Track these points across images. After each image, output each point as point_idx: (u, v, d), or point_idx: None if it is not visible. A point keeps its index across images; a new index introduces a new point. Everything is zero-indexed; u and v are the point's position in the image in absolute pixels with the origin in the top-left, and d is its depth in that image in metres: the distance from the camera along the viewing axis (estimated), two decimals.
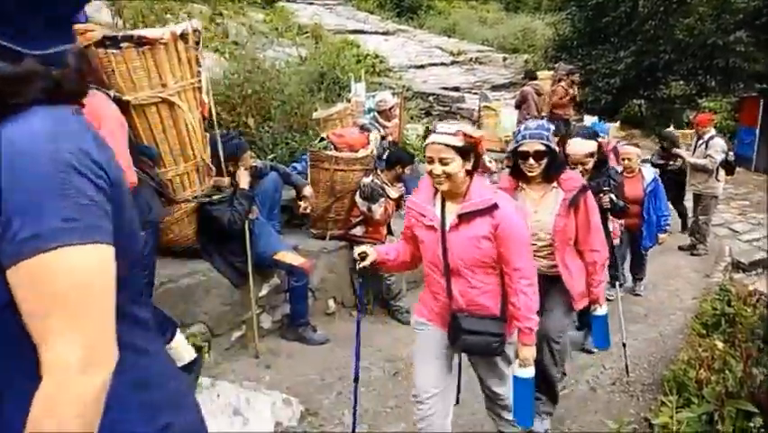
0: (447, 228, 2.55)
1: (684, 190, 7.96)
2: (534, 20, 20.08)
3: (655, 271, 6.53)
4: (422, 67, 14.84)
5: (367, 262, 2.74)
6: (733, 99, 14.36)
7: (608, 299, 5.31)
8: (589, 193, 3.16)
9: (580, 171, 3.77)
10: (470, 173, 2.54)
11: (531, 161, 3.00)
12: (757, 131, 12.37)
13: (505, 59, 16.87)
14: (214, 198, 3.98)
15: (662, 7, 13.43)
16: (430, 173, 2.53)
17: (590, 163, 3.89)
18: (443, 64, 15.59)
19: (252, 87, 6.78)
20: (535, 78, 10.10)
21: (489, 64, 16.49)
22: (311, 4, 17.48)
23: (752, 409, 2.82)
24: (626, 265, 5.87)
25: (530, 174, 3.06)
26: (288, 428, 3.31)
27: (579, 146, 3.90)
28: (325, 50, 10.87)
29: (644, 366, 4.35)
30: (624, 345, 4.28)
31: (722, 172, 7.36)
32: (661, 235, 5.76)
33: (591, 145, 3.89)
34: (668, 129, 8.81)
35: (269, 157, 5.96)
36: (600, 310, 3.32)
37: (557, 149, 3.21)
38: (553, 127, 3.15)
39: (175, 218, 4.05)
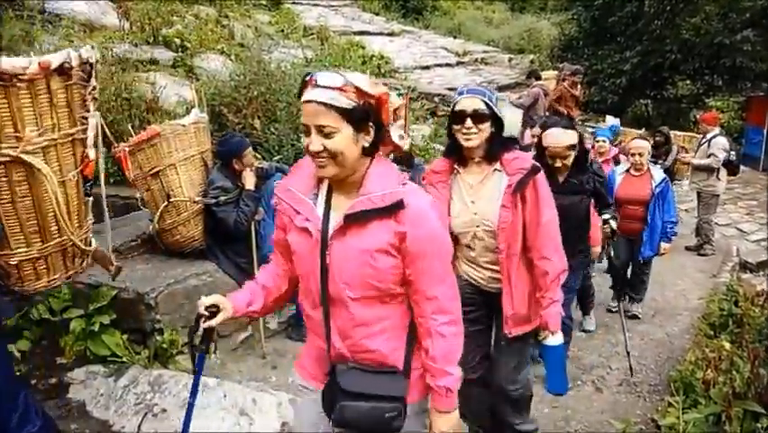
0: (329, 234, 1.70)
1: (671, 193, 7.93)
2: (539, 20, 20.03)
3: (662, 271, 6.50)
4: (427, 67, 14.83)
5: (215, 322, 1.84)
6: (740, 99, 14.29)
7: (609, 311, 5.30)
8: (541, 177, 2.47)
9: (559, 167, 3.39)
10: (368, 152, 1.70)
11: (468, 122, 2.41)
12: (765, 130, 12.29)
13: (510, 59, 16.84)
14: (221, 199, 3.99)
15: (669, 7, 13.38)
16: (307, 149, 1.68)
17: (571, 157, 3.40)
18: (448, 65, 15.56)
19: (258, 88, 6.81)
20: (540, 78, 10.10)
21: (494, 65, 16.46)
22: (316, 5, 17.49)
23: (759, 411, 2.80)
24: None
25: (467, 143, 2.43)
26: (293, 427, 3.31)
27: (558, 137, 3.35)
28: (331, 52, 10.92)
29: (651, 367, 4.34)
30: (628, 352, 4.16)
31: (723, 171, 7.34)
32: (664, 245, 5.10)
33: (572, 136, 3.38)
34: (663, 126, 8.61)
35: (276, 158, 5.98)
36: (553, 339, 2.56)
37: (505, 117, 2.62)
38: (494, 90, 2.61)
39: (181, 220, 4.07)
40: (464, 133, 2.44)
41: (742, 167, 11.30)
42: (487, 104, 2.44)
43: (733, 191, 10.27)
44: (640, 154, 5.12)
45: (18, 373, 3.42)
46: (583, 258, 3.84)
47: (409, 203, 1.66)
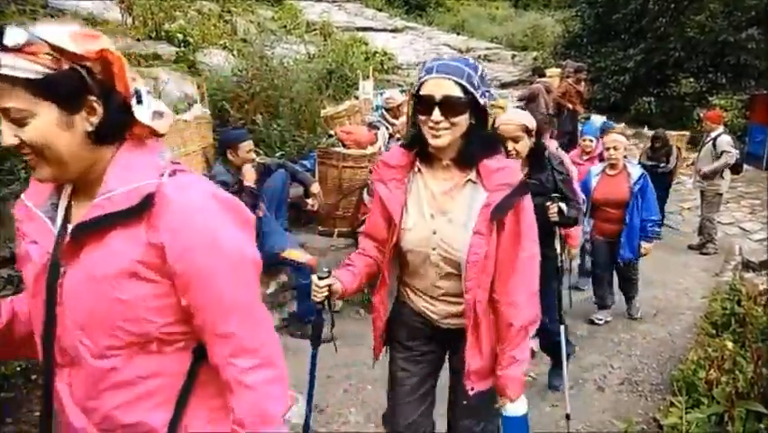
0: (59, 255, 1.17)
1: (668, 194, 7.82)
2: (543, 17, 19.98)
3: (664, 270, 6.49)
4: (526, 115, 14.77)
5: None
6: (744, 97, 14.21)
7: (594, 322, 4.99)
8: (528, 199, 1.88)
9: (511, 153, 3.01)
10: (104, 139, 1.16)
11: (437, 113, 1.75)
12: None
13: (514, 56, 16.80)
14: None
15: (673, 4, 13.31)
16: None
17: (525, 143, 3.03)
18: None
19: (261, 84, 6.81)
20: (544, 75, 10.09)
21: (497, 61, 16.42)
22: (319, 1, 17.44)
23: (762, 411, 2.78)
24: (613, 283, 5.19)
25: (434, 141, 1.79)
26: (294, 426, 3.30)
27: (510, 114, 3.15)
28: (334, 48, 10.88)
29: (653, 366, 4.33)
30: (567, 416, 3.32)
31: (727, 170, 7.31)
32: (645, 245, 4.79)
33: (527, 118, 3.09)
34: (660, 129, 8.43)
35: (277, 154, 5.97)
36: (513, 408, 1.94)
37: (493, 111, 2.31)
38: (482, 68, 1.87)
39: None
40: (431, 128, 1.77)
41: (745, 166, 11.27)
42: (464, 87, 1.75)
43: (736, 190, 10.23)
44: (614, 148, 4.77)
45: (19, 369, 3.42)
46: (551, 267, 3.29)
47: (168, 199, 1.11)
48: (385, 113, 6.85)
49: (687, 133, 8.74)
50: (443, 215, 1.90)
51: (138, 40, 8.57)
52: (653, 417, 3.50)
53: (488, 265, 1.86)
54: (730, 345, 3.94)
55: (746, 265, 7.60)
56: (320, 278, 1.96)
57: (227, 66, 7.78)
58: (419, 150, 1.93)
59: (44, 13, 8.08)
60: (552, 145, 4.27)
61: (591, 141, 5.88)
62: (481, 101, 1.81)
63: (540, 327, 2.45)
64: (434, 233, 1.91)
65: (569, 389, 3.92)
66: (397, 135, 6.61)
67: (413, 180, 1.96)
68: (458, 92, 1.75)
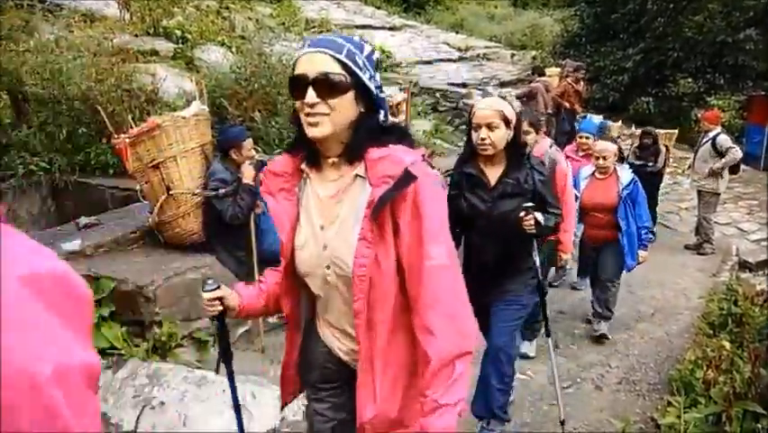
0: None
1: (657, 194, 7.69)
2: (542, 16, 19.97)
3: (662, 270, 6.50)
4: (429, 62, 14.78)
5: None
6: (741, 97, 14.26)
7: (604, 336, 4.63)
8: (425, 188, 1.47)
9: (486, 143, 2.72)
10: None
11: (310, 94, 1.43)
12: (766, 129, 12.25)
13: (513, 55, 16.79)
14: (220, 191, 3.97)
15: (672, 4, 13.33)
16: None
17: (501, 133, 2.73)
18: (450, 60, 15.52)
19: (259, 81, 6.79)
20: (543, 75, 10.09)
21: (496, 60, 16.41)
22: None
23: (760, 411, 2.79)
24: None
25: (310, 131, 1.47)
26: (292, 423, 3.30)
27: (488, 101, 2.91)
28: None
29: (651, 366, 4.33)
30: (562, 422, 3.33)
31: (726, 170, 7.32)
32: (641, 253, 4.58)
33: (505, 106, 2.82)
34: (648, 127, 8.25)
35: (276, 151, 5.96)
36: None
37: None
38: (370, 50, 1.56)
39: (181, 213, 4.06)
40: (307, 114, 1.46)
41: (742, 166, 11.29)
42: (345, 65, 1.45)
43: (733, 190, 10.25)
44: (604, 158, 4.58)
45: None
46: (530, 279, 3.06)
47: None
48: None
49: (675, 131, 8.69)
50: (332, 223, 1.57)
51: (136, 36, 8.55)
52: (651, 416, 3.51)
53: (382, 280, 1.50)
54: (727, 345, 3.95)
55: (743, 265, 7.63)
56: (205, 290, 1.70)
57: (225, 63, 7.76)
58: (305, 151, 1.61)
59: (42, 8, 8.05)
60: (546, 143, 4.18)
61: (588, 137, 5.67)
62: (370, 85, 1.50)
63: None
64: (325, 247, 1.57)
65: (566, 388, 3.94)
66: None
67: (303, 188, 1.65)
68: (336, 68, 1.44)
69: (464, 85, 13.16)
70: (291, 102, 6.20)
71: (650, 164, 7.25)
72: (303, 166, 1.62)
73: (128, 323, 3.68)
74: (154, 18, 9.22)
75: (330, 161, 1.56)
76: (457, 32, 18.63)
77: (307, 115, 1.46)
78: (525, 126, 3.86)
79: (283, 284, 1.71)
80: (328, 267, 1.57)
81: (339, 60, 1.45)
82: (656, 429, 3.22)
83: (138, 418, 3.12)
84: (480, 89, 12.65)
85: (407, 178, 1.44)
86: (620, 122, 11.24)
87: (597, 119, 8.37)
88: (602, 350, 4.56)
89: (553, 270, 5.26)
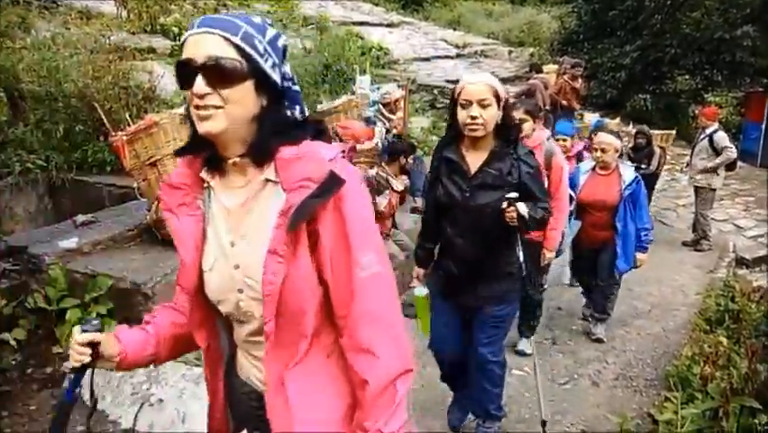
0: None
1: (651, 196, 7.56)
2: (539, 13, 19.94)
3: (659, 267, 6.51)
4: (427, 59, 14.76)
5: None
6: (739, 94, 14.27)
7: (599, 340, 4.52)
8: (351, 192, 1.27)
9: (474, 125, 2.48)
10: None
11: (199, 84, 1.19)
12: (763, 126, 12.28)
13: (510, 52, 16.77)
14: None
15: (669, 1, 13.31)
16: None
17: (493, 111, 2.49)
18: (447, 57, 15.49)
19: None
20: (541, 72, 10.10)
21: (494, 57, 16.39)
22: None
23: (756, 406, 2.81)
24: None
25: (202, 124, 1.23)
26: None
27: (477, 75, 2.59)
28: (330, 43, 10.84)
29: (648, 361, 4.34)
30: (543, 423, 3.16)
31: (722, 167, 7.33)
32: (640, 256, 4.39)
33: (497, 82, 2.56)
34: (643, 126, 8.04)
35: None
36: None
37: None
38: (275, 34, 1.29)
39: None
40: (196, 107, 1.22)
41: (739, 163, 11.30)
42: (240, 48, 1.20)
43: (730, 187, 10.27)
44: (603, 150, 4.32)
45: (14, 363, 3.41)
46: (511, 285, 2.80)
47: None
48: (381, 108, 6.83)
49: (673, 132, 8.67)
50: (242, 238, 1.30)
51: (133, 33, 8.54)
52: (648, 412, 3.52)
53: (297, 298, 1.25)
54: (724, 340, 3.98)
55: (740, 262, 7.65)
56: (83, 330, 1.33)
57: None
58: (204, 156, 1.32)
59: (38, 5, 8.03)
60: (543, 133, 4.03)
61: (566, 140, 5.43)
62: (272, 74, 1.24)
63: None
64: (237, 267, 1.31)
65: (563, 384, 3.96)
66: (394, 131, 6.61)
67: (208, 201, 1.36)
68: (229, 52, 1.19)
69: None
70: None
71: (643, 166, 7.15)
72: (203, 174, 1.33)
73: (126, 321, 3.66)
74: (151, 15, 9.21)
75: (232, 161, 1.27)
76: (455, 29, 18.60)
77: (197, 107, 1.21)
78: (521, 114, 3.76)
79: (194, 317, 1.41)
80: (241, 291, 1.30)
81: (233, 43, 1.20)
82: (653, 425, 3.23)
83: (136, 415, 3.12)
84: None
85: (333, 182, 1.22)
86: (618, 119, 11.23)
87: (595, 117, 8.37)
88: (599, 346, 4.56)
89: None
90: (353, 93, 7.14)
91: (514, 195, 2.54)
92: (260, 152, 1.26)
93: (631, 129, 8.56)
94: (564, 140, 5.39)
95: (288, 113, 1.32)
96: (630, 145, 7.61)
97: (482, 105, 2.47)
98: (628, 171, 4.42)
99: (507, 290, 2.79)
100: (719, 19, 12.83)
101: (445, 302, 2.91)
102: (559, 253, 4.42)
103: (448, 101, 2.81)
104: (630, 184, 4.31)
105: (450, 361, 3.05)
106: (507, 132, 2.61)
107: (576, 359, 4.32)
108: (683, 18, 13.31)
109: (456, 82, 2.63)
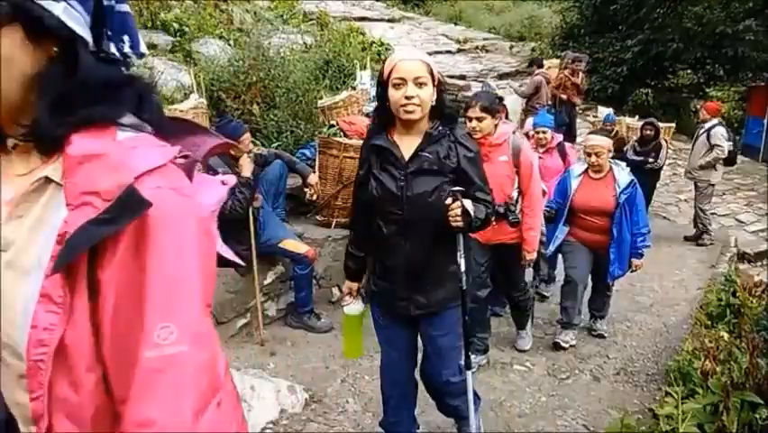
0: None
1: (654, 192, 7.58)
2: (541, 7, 19.87)
3: (661, 262, 6.51)
4: (428, 54, 14.73)
5: None
6: (741, 89, 14.24)
7: (560, 346, 4.30)
8: (160, 219, 0.79)
9: (413, 99, 2.20)
10: None
11: None
12: (765, 121, 12.26)
13: (511, 47, 16.73)
14: None
15: None
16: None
17: (430, 90, 2.24)
18: (448, 52, 15.46)
19: (257, 74, 6.77)
20: (542, 67, 10.07)
21: (495, 52, 16.35)
22: None
23: (757, 401, 2.81)
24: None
25: None
26: (292, 415, 3.32)
27: (409, 50, 2.46)
28: (331, 38, 10.80)
29: (649, 356, 4.35)
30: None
31: (720, 162, 7.33)
32: (635, 261, 4.27)
33: (428, 59, 2.31)
34: (650, 119, 7.89)
35: (274, 145, 5.95)
36: None
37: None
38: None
39: None
40: None
41: (741, 157, 11.29)
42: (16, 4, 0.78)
43: (732, 182, 10.26)
44: (597, 155, 4.16)
45: None
46: (454, 286, 2.44)
47: None
48: None
49: (672, 125, 8.63)
50: (3, 253, 0.82)
51: None
52: (649, 407, 3.52)
53: (77, 365, 0.80)
54: (725, 335, 3.98)
55: (742, 257, 7.66)
56: None
57: (223, 56, 7.73)
58: None
59: None
60: (508, 127, 3.76)
61: (545, 132, 5.24)
62: (55, 10, 0.80)
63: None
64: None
65: (564, 379, 3.96)
66: None
67: None
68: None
69: (463, 77, 13.11)
70: (290, 95, 6.22)
71: (651, 160, 7.12)
72: None
73: None
74: (151, 11, 9.18)
75: (9, 144, 0.86)
76: (456, 24, 18.57)
77: None
78: (477, 112, 3.46)
79: None
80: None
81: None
82: (654, 420, 3.23)
83: None
84: (479, 81, 12.62)
85: (129, 205, 0.78)
86: (636, 117, 10.92)
87: (605, 111, 8.34)
88: (600, 341, 4.57)
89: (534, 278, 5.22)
90: (354, 88, 7.12)
91: (459, 188, 2.27)
92: (40, 138, 0.83)
93: (636, 121, 8.47)
94: (544, 132, 5.24)
95: (104, 69, 0.87)
96: (636, 138, 7.53)
97: (418, 83, 2.21)
98: (623, 174, 4.22)
99: (451, 294, 2.46)
100: (721, 13, 12.78)
101: (389, 318, 2.59)
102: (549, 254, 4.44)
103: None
104: (626, 188, 4.13)
105: (401, 392, 2.70)
106: (442, 111, 2.36)
107: (577, 354, 4.33)
108: (685, 12, 13.26)
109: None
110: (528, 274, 4.79)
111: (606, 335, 4.62)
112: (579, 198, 4.25)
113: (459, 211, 2.21)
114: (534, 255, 3.77)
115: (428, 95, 2.24)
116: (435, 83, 2.28)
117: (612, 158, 4.44)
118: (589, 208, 4.22)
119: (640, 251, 4.24)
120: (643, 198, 4.30)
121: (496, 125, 3.55)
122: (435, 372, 2.62)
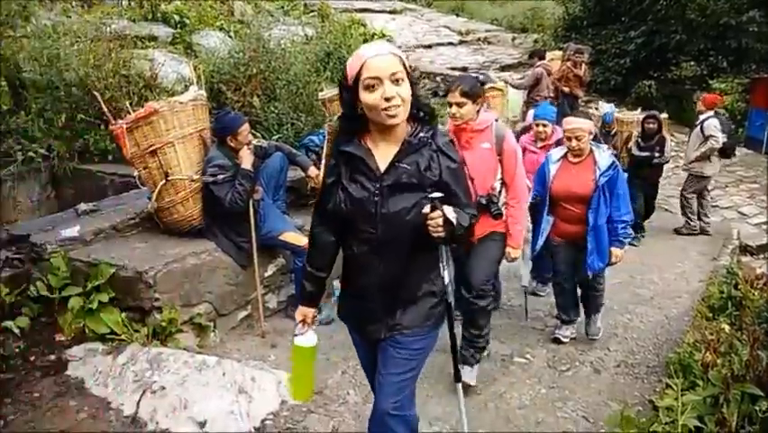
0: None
1: (658, 187, 7.36)
2: None
3: (662, 254, 6.49)
4: (429, 47, 14.68)
5: None
6: (745, 81, 14.15)
7: (559, 340, 4.17)
8: None
9: (393, 99, 1.89)
10: None
11: None
12: None
13: (514, 38, 16.66)
14: (219, 177, 3.97)
15: None
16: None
17: (407, 87, 1.94)
18: (450, 44, 15.42)
19: (258, 66, 6.75)
20: (543, 58, 10.00)
21: (497, 44, 16.29)
22: None
23: (757, 393, 2.80)
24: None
25: None
26: (293, 407, 3.33)
27: (380, 43, 2.06)
28: (332, 30, 10.74)
29: (650, 349, 4.34)
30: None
31: (715, 154, 7.28)
32: (615, 252, 3.89)
33: (400, 53, 1.97)
34: (652, 111, 7.58)
35: (275, 137, 5.94)
36: None
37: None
38: None
39: (179, 199, 4.05)
40: None
41: (744, 150, 11.25)
42: None
43: (735, 174, 10.23)
44: (577, 138, 3.84)
45: (17, 350, 3.43)
46: (432, 307, 2.19)
47: None
48: None
49: (665, 115, 8.56)
50: None
51: (134, 21, 8.50)
52: (649, 399, 3.52)
53: None
54: (726, 328, 3.98)
55: (744, 249, 7.64)
56: None
57: (224, 48, 7.70)
58: None
59: None
60: (489, 115, 3.49)
61: (546, 125, 4.97)
62: None
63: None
64: None
65: (565, 370, 3.97)
66: None
67: None
68: None
69: (465, 69, 13.05)
70: (291, 87, 6.20)
71: (656, 155, 6.87)
72: None
73: (128, 309, 3.69)
74: (152, 3, 9.15)
75: None
76: (458, 16, 18.49)
77: None
78: (457, 97, 3.24)
79: None
80: None
81: None
82: (654, 412, 3.23)
83: (138, 402, 3.15)
84: (481, 73, 12.56)
85: None
86: (639, 110, 10.79)
87: (606, 108, 8.24)
88: (601, 333, 4.56)
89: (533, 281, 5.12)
90: None
91: (438, 195, 1.96)
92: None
93: (638, 114, 8.39)
94: (545, 125, 4.97)
95: None
96: (639, 132, 7.21)
97: (395, 80, 1.90)
98: (604, 156, 3.91)
99: (425, 315, 2.17)
100: (725, 4, 12.69)
101: (358, 337, 2.37)
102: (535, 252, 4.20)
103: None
104: (606, 170, 3.81)
105: None
106: (419, 112, 2.05)
107: (577, 345, 4.32)
108: (688, 3, 13.16)
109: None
110: (526, 276, 4.70)
111: (597, 337, 4.39)
112: (557, 185, 3.96)
113: (440, 221, 1.93)
114: (519, 253, 3.55)
115: (407, 93, 1.94)
116: (411, 81, 1.98)
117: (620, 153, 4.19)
118: (570, 195, 3.92)
119: (621, 238, 3.88)
120: (626, 183, 3.97)
121: (478, 111, 3.33)
122: (380, 394, 2.24)
